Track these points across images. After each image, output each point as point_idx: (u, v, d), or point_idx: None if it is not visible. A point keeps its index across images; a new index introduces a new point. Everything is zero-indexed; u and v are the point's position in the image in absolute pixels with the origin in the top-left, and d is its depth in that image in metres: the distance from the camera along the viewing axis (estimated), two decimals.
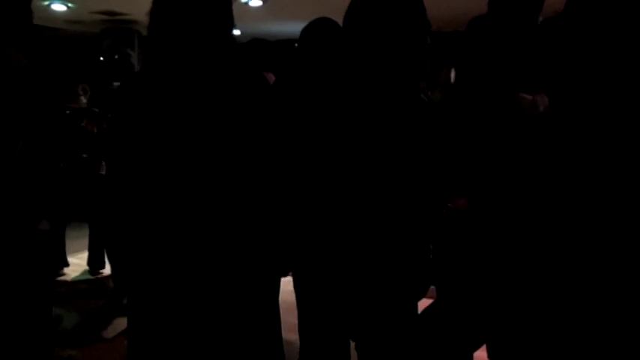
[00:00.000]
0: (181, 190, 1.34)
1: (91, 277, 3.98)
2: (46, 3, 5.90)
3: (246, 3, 5.54)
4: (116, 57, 5.74)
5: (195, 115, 1.33)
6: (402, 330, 1.41)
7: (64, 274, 4.00)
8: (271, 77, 2.76)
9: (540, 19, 1.69)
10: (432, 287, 1.58)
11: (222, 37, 1.37)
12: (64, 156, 2.04)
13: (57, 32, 7.16)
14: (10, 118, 1.73)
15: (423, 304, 1.56)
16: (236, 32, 7.53)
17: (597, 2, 1.18)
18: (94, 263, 4.08)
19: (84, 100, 3.84)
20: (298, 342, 1.59)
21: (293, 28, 7.35)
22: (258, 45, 2.83)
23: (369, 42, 1.35)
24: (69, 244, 4.11)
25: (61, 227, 3.80)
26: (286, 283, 1.72)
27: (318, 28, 2.09)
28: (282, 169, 1.44)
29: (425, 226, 1.37)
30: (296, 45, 2.13)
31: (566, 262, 1.17)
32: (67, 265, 4.12)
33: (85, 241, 4.09)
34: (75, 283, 3.88)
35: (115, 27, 6.99)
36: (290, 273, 1.61)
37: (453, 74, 3.76)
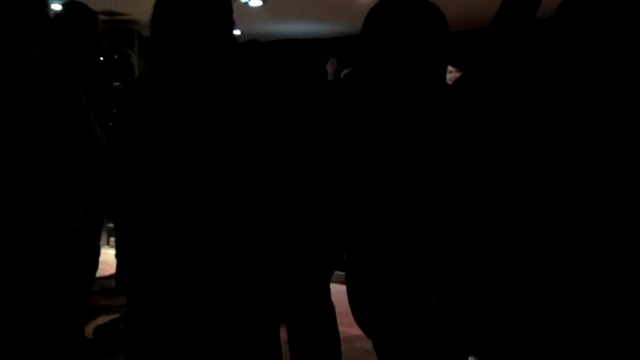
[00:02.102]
0: (183, 192, 1.34)
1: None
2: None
3: (246, 3, 5.54)
4: (116, 57, 5.74)
5: (196, 117, 1.33)
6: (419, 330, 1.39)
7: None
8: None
9: None
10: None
11: (222, 38, 1.37)
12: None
13: None
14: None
15: None
16: (236, 32, 7.53)
17: None
18: None
19: None
20: None
21: (293, 28, 7.37)
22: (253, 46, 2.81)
23: (390, 49, 1.33)
24: None
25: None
26: None
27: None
28: (287, 171, 1.44)
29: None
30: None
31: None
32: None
33: None
34: None
35: (115, 27, 6.99)
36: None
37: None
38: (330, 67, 5.65)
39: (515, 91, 1.18)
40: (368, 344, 1.59)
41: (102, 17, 6.68)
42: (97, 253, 3.90)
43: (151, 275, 1.38)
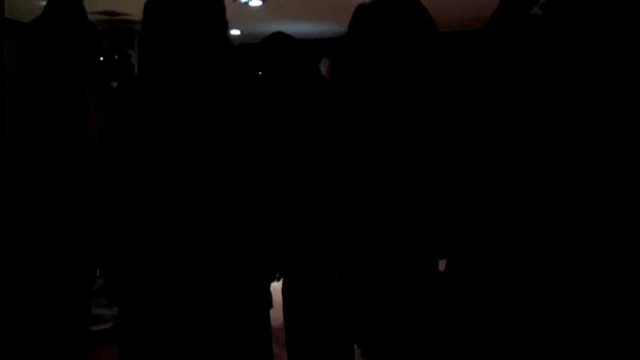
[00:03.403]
0: (176, 192, 1.34)
1: None
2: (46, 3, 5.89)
3: (246, 3, 5.54)
4: (116, 57, 5.74)
5: (190, 118, 1.33)
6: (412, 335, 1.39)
7: None
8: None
9: None
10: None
11: (216, 38, 1.37)
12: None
13: None
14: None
15: None
16: (236, 32, 7.54)
17: None
18: None
19: None
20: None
21: (292, 28, 7.37)
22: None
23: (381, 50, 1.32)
24: None
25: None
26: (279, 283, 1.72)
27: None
28: (282, 171, 1.44)
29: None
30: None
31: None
32: None
33: None
34: None
35: (115, 27, 6.99)
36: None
37: None
38: (323, 68, 5.67)
39: (513, 89, 1.18)
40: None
41: (102, 17, 6.69)
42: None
43: (144, 282, 1.37)
